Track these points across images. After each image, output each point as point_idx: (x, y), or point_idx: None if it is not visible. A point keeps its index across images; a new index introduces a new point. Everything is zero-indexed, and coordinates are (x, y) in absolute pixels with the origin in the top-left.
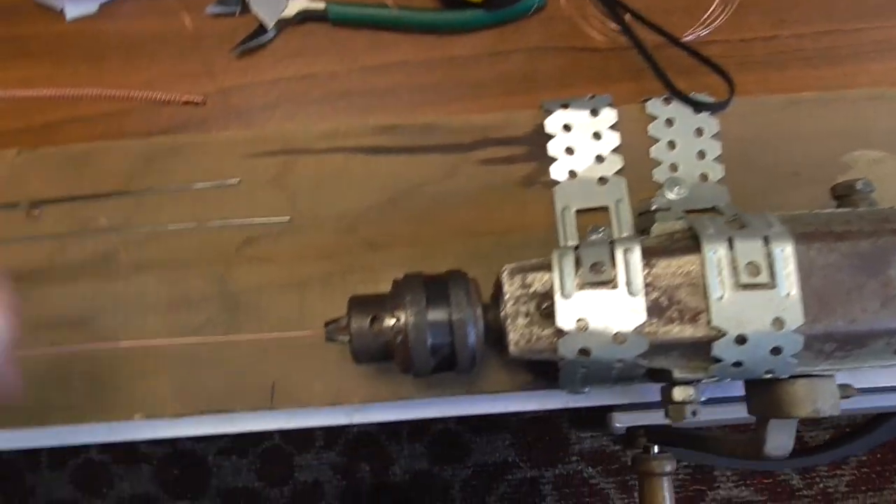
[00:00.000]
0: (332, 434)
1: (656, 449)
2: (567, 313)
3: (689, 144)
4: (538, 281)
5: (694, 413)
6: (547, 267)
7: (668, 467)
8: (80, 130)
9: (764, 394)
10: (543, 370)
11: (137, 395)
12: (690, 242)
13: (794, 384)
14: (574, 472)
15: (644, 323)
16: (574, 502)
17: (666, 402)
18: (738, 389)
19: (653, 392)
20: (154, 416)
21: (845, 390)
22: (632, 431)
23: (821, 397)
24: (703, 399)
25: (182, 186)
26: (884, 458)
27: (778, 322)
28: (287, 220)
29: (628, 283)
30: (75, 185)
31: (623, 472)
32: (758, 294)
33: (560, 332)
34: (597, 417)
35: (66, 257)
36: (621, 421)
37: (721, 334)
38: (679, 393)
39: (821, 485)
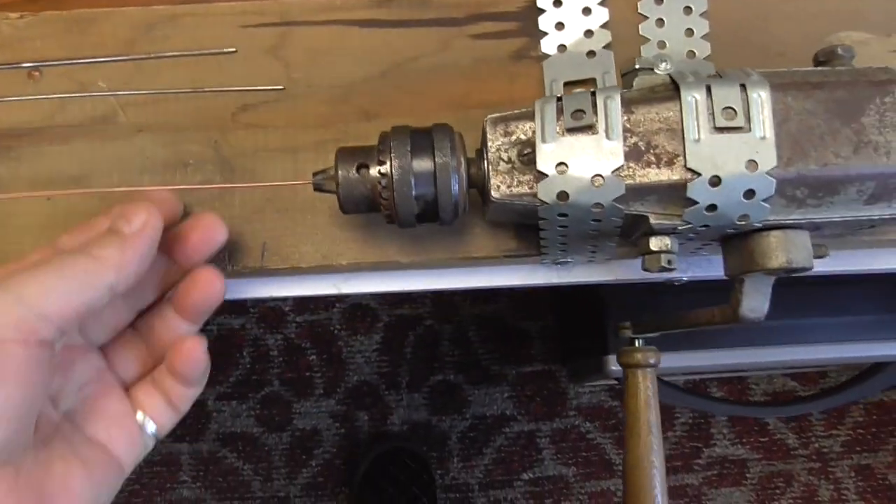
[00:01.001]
0: (331, 382)
1: (641, 342)
2: (547, 158)
3: (677, 22)
4: (520, 130)
5: (669, 262)
6: (529, 116)
7: (653, 359)
8: None
9: (739, 250)
10: (527, 238)
11: None
12: (670, 92)
13: (768, 235)
14: (571, 427)
15: (622, 166)
16: (571, 456)
17: (643, 252)
18: (717, 270)
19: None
20: None
21: (819, 249)
22: (617, 326)
23: (794, 248)
24: (677, 251)
25: (180, 52)
26: (879, 420)
27: (752, 164)
28: (282, 88)
29: (607, 129)
30: (77, 49)
31: (620, 428)
32: (733, 137)
33: (540, 176)
34: (589, 365)
35: (66, 117)
36: (617, 364)
37: (696, 175)
38: (655, 242)
39: (816, 444)
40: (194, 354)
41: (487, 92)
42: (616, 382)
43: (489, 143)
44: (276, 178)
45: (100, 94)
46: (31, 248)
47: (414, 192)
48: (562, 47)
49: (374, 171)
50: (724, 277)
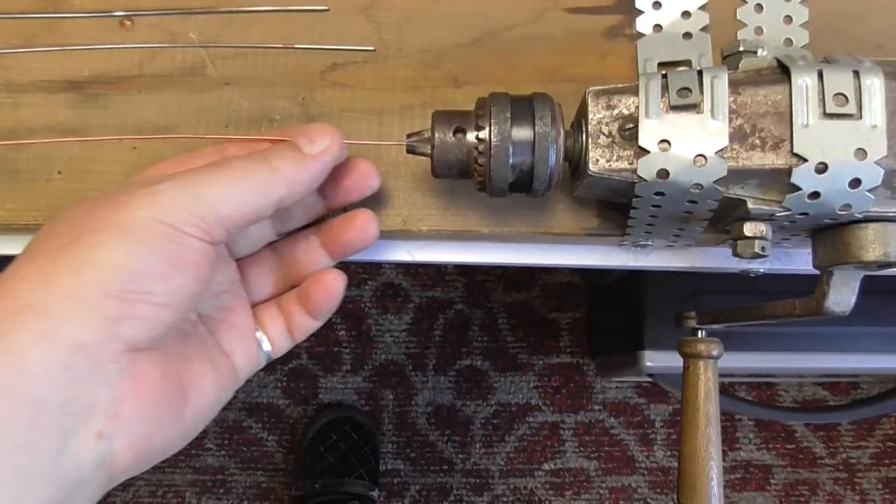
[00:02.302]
0: (359, 359)
1: (704, 333)
2: (650, 134)
3: (776, 8)
4: (623, 104)
5: (763, 248)
6: (633, 91)
7: (716, 351)
8: None
9: (832, 240)
10: (610, 218)
11: None
12: (778, 75)
13: (867, 227)
14: (595, 421)
15: (726, 147)
16: (594, 450)
17: (736, 238)
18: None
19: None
20: None
21: None
22: (680, 314)
23: (892, 241)
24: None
25: (272, 8)
26: None
27: (861, 153)
28: (372, 50)
29: (713, 108)
30: (168, 0)
31: (644, 426)
32: (843, 124)
33: (641, 152)
34: (619, 361)
35: (155, 67)
36: (652, 360)
37: (802, 161)
38: (750, 228)
39: (843, 455)
40: (335, 286)
41: (579, 66)
42: (648, 379)
43: (590, 116)
44: (361, 139)
45: (189, 45)
46: None
47: (511, 161)
48: (657, 27)
49: (471, 136)
50: (799, 272)
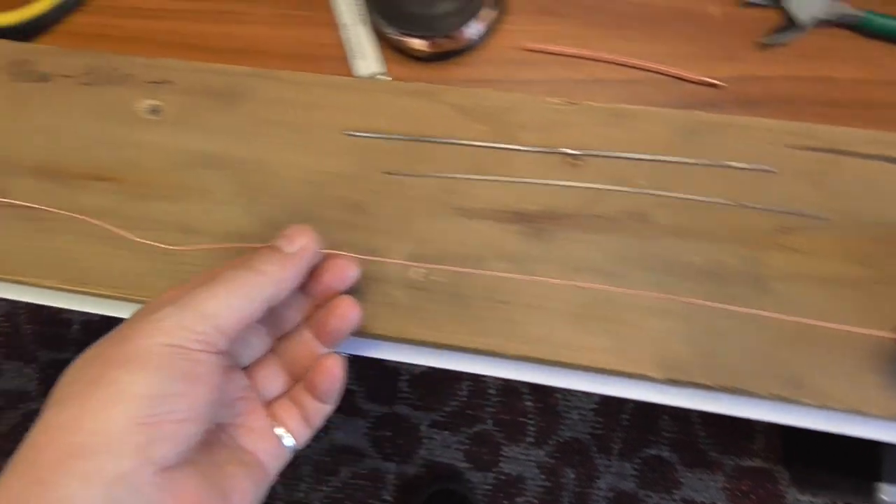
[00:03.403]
0: (543, 432)
1: None
2: None
3: None
4: None
5: None
6: None
7: None
8: (600, 92)
9: None
10: None
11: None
12: None
13: None
14: None
15: None
16: None
17: None
18: None
19: None
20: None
21: None
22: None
23: None
24: None
25: (719, 162)
26: None
27: None
28: (826, 218)
29: None
30: (616, 142)
31: None
32: None
33: None
34: (827, 480)
35: (601, 209)
36: (890, 495)
37: None
38: None
39: None
40: (334, 371)
41: None
42: None
43: None
44: (810, 309)
45: (636, 190)
46: (560, 333)
47: None
48: None
49: None
50: None
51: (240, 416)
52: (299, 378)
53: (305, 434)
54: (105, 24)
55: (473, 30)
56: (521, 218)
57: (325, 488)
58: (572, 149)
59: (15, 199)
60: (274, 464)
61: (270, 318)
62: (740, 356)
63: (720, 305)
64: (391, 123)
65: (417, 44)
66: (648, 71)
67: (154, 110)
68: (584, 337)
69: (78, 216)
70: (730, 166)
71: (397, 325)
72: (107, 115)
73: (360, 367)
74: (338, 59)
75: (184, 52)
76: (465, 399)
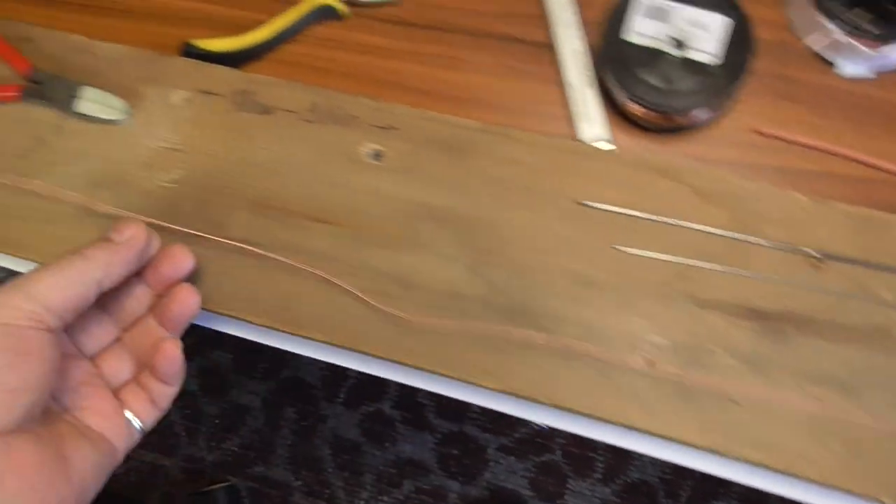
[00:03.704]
0: (612, 470)
1: None
2: None
3: None
4: None
5: None
6: None
7: None
8: (834, 188)
9: None
10: None
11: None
12: None
13: None
14: None
15: None
16: None
17: None
18: None
19: None
20: None
21: None
22: None
23: None
24: None
25: None
26: None
27: None
28: None
29: None
30: (864, 250)
31: None
32: None
33: None
34: None
35: (843, 317)
36: None
37: None
38: None
39: None
40: (172, 353)
41: None
42: None
43: None
44: None
45: (879, 303)
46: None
47: None
48: None
49: None
50: None
51: (86, 400)
52: (146, 364)
53: (153, 415)
54: (317, 56)
55: (710, 107)
56: (755, 315)
57: (385, 499)
58: (815, 250)
59: (232, 233)
60: (122, 444)
61: (114, 308)
62: None
63: None
64: (623, 196)
65: (648, 114)
66: (888, 172)
67: (377, 155)
68: (816, 449)
69: (304, 266)
70: None
71: (613, 408)
72: (328, 154)
73: None
74: (561, 119)
75: (400, 94)
76: (535, 427)
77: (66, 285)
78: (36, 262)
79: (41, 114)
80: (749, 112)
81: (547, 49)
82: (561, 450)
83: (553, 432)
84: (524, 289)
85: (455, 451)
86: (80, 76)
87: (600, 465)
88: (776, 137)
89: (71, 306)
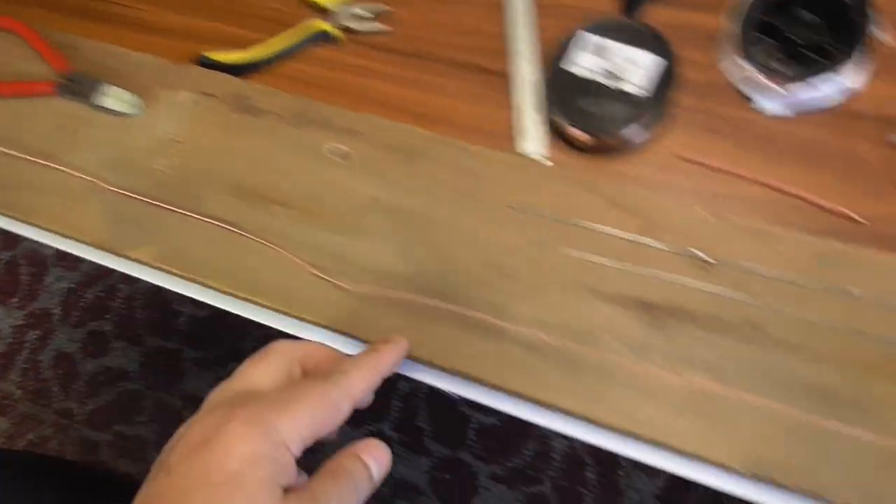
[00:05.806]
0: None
1: None
2: None
3: None
4: None
5: None
6: None
7: None
8: (742, 208)
9: None
10: None
11: None
12: None
13: None
14: None
15: None
16: None
17: None
18: None
19: None
20: None
21: None
22: None
23: None
24: None
25: (840, 287)
26: None
27: None
28: None
29: None
30: (749, 256)
31: None
32: None
33: None
34: None
35: (721, 312)
36: None
37: None
38: None
39: None
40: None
41: None
42: None
43: None
44: None
45: (755, 304)
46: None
47: None
48: None
49: None
50: None
51: None
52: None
53: None
54: (310, 73)
55: (637, 133)
56: (645, 307)
57: None
58: (707, 255)
59: (209, 210)
60: None
61: None
62: (827, 466)
63: (820, 420)
64: (548, 203)
65: (582, 136)
66: (792, 196)
67: (344, 155)
68: (682, 423)
69: (266, 243)
70: (851, 293)
71: (506, 376)
72: (303, 152)
73: (432, 408)
74: (508, 138)
75: (375, 108)
76: (528, 458)
77: (318, 428)
78: (41, 226)
79: (69, 107)
80: (676, 140)
81: (506, 78)
82: (551, 482)
83: (544, 466)
84: (447, 273)
85: (448, 476)
86: (109, 77)
87: (589, 500)
88: (697, 163)
89: (317, 438)
